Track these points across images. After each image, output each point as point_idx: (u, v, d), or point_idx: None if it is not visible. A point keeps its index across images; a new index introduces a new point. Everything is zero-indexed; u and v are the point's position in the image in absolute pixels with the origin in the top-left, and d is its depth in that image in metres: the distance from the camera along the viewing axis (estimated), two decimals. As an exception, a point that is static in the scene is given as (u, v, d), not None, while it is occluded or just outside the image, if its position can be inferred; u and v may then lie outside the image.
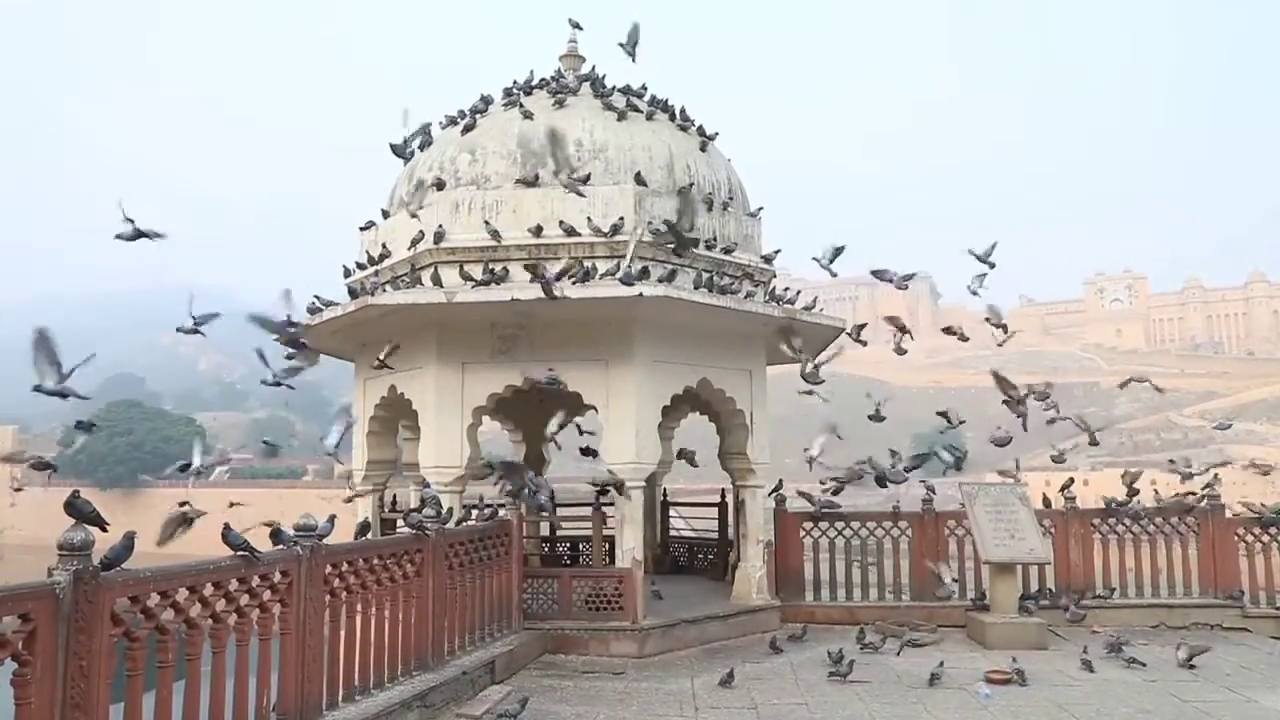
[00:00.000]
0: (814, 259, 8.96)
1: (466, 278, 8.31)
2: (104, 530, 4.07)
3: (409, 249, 8.88)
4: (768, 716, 6.30)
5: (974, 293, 8.80)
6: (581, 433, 10.86)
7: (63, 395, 4.64)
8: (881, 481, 9.07)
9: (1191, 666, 7.62)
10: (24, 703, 3.58)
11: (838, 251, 8.58)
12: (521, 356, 8.58)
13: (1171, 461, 10.47)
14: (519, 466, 5.09)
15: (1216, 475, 10.44)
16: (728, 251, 9.36)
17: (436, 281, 8.42)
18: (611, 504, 8.87)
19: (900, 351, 9.49)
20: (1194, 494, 10.23)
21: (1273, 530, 9.95)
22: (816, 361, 8.68)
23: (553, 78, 10.10)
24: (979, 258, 8.79)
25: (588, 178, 8.79)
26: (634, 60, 9.25)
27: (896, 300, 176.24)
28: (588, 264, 8.18)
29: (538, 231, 8.56)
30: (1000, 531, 9.08)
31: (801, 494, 9.69)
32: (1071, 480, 10.83)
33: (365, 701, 5.74)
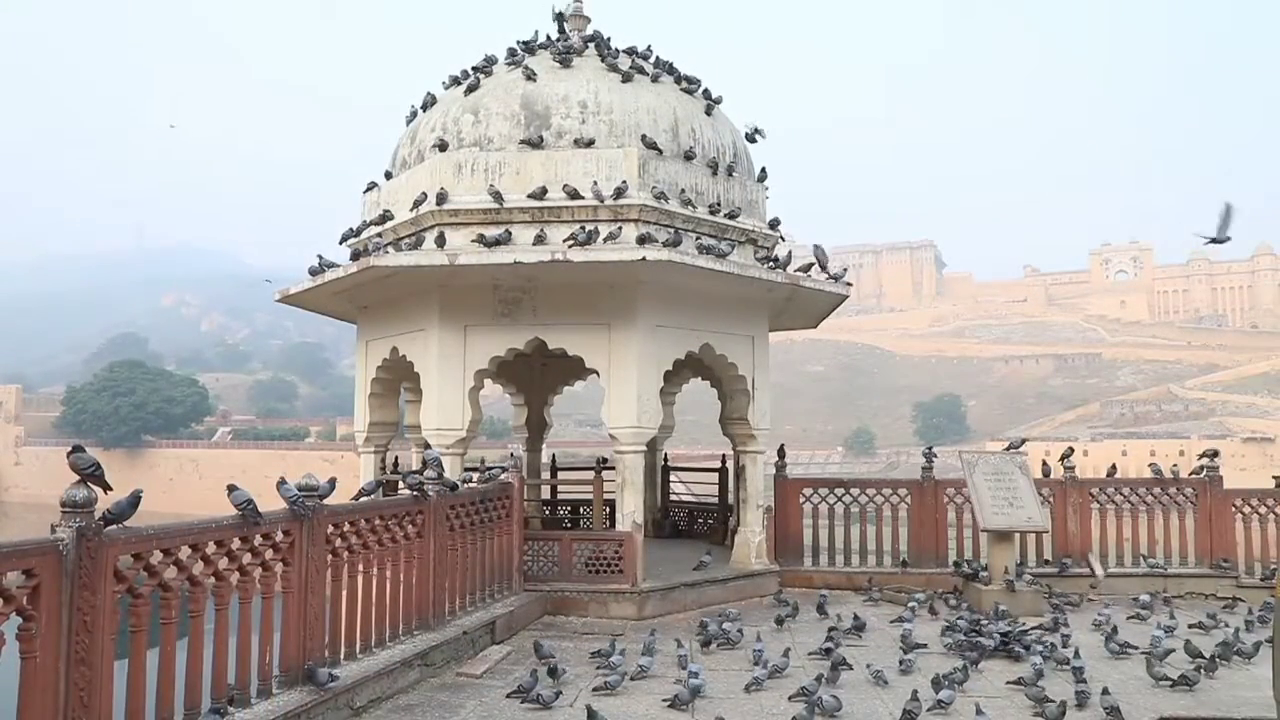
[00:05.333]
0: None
1: (470, 239, 8.29)
2: (106, 491, 4.08)
3: (411, 210, 8.84)
4: (762, 676, 6.36)
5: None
6: None
7: None
8: None
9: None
10: (29, 656, 3.63)
11: None
12: (524, 319, 8.58)
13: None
14: None
15: (1217, 452, 10.50)
16: (732, 216, 9.31)
17: (439, 243, 8.39)
18: (612, 468, 8.92)
19: None
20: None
21: (1270, 502, 10.01)
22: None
23: (557, 38, 9.98)
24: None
25: (591, 141, 8.73)
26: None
27: (902, 269, 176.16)
28: (590, 227, 8.15)
29: (541, 194, 8.51)
30: (999, 500, 9.11)
31: None
32: (1071, 450, 10.88)
33: (367, 659, 5.81)
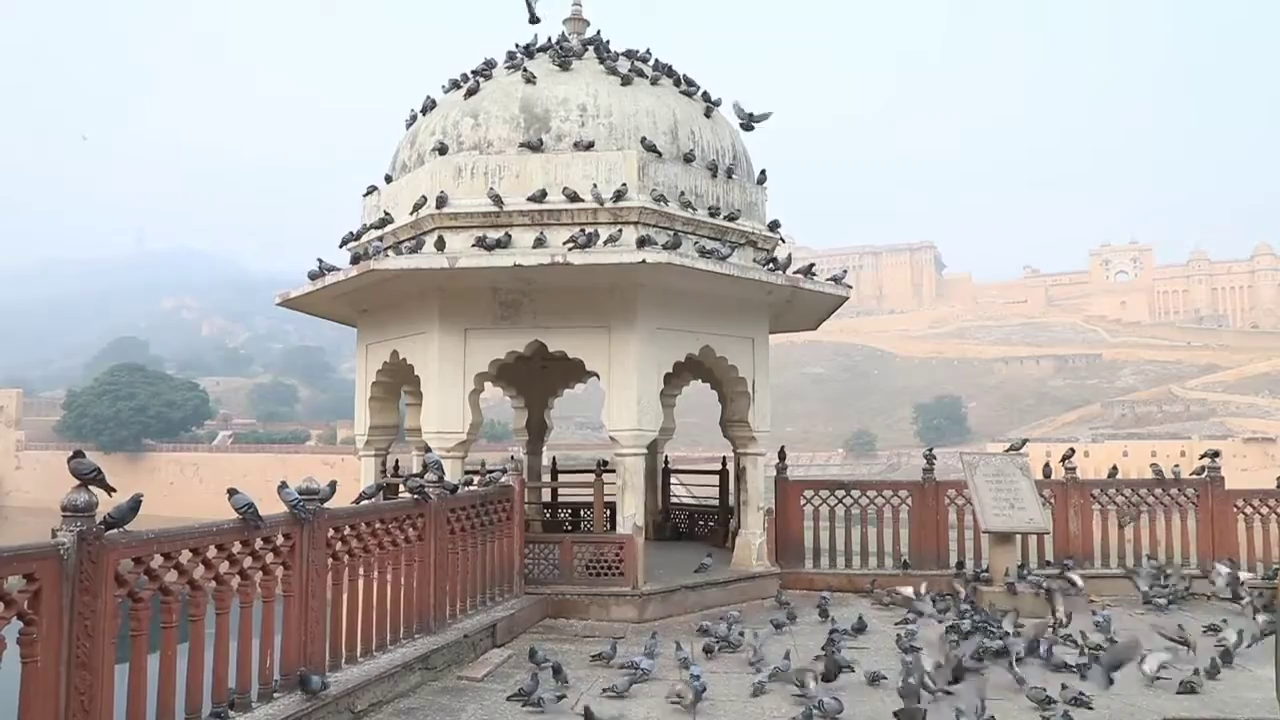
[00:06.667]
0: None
1: (470, 242, 8.29)
2: (109, 494, 4.09)
3: (411, 214, 8.84)
4: (764, 679, 6.35)
5: None
6: None
7: None
8: None
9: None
10: (30, 661, 3.63)
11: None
12: (524, 322, 8.58)
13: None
14: None
15: (1218, 452, 10.50)
16: (731, 219, 9.31)
17: (439, 246, 8.39)
18: (612, 470, 8.92)
19: None
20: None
21: (1271, 502, 10.00)
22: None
23: (556, 41, 9.99)
24: None
25: (591, 144, 8.74)
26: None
27: (901, 271, 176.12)
28: (590, 230, 8.16)
29: (540, 197, 8.51)
30: (1000, 501, 9.11)
31: None
32: (1072, 451, 10.88)
33: (368, 663, 5.80)
